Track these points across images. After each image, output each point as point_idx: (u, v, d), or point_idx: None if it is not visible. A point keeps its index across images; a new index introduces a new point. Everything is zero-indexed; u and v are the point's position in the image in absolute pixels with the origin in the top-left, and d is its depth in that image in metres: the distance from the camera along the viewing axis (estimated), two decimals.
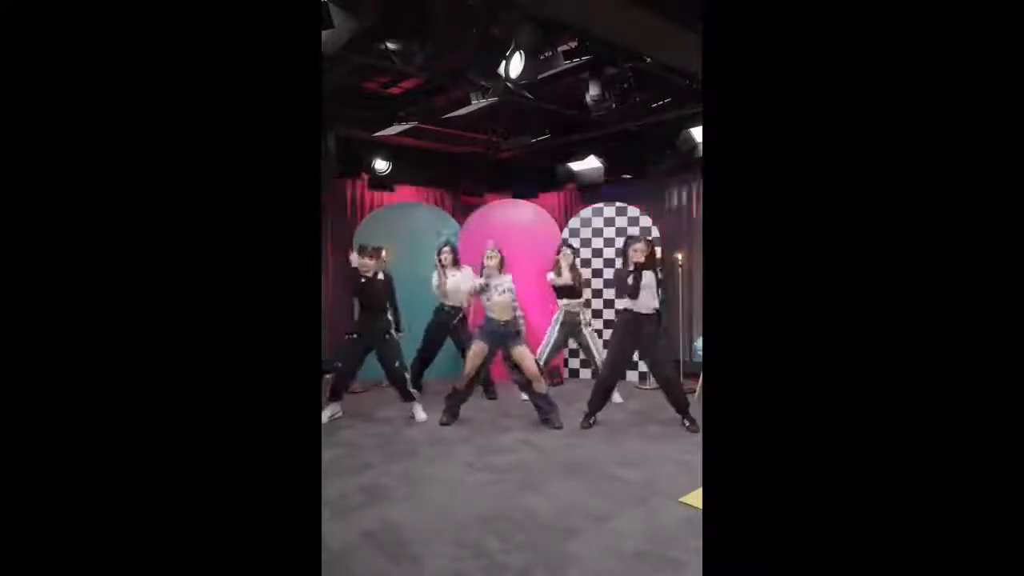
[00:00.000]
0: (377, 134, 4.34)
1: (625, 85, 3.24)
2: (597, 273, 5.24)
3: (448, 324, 4.43)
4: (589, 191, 5.83)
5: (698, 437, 3.37)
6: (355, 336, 3.96)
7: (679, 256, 5.01)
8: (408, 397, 3.94)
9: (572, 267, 4.41)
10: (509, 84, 2.88)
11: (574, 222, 5.38)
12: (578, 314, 4.38)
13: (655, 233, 5.14)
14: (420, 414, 3.91)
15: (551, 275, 4.38)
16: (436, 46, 2.66)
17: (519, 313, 3.94)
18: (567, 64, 2.88)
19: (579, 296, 4.40)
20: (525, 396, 3.91)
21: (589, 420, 3.74)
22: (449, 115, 3.91)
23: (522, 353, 3.76)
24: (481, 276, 3.84)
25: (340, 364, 3.95)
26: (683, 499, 2.57)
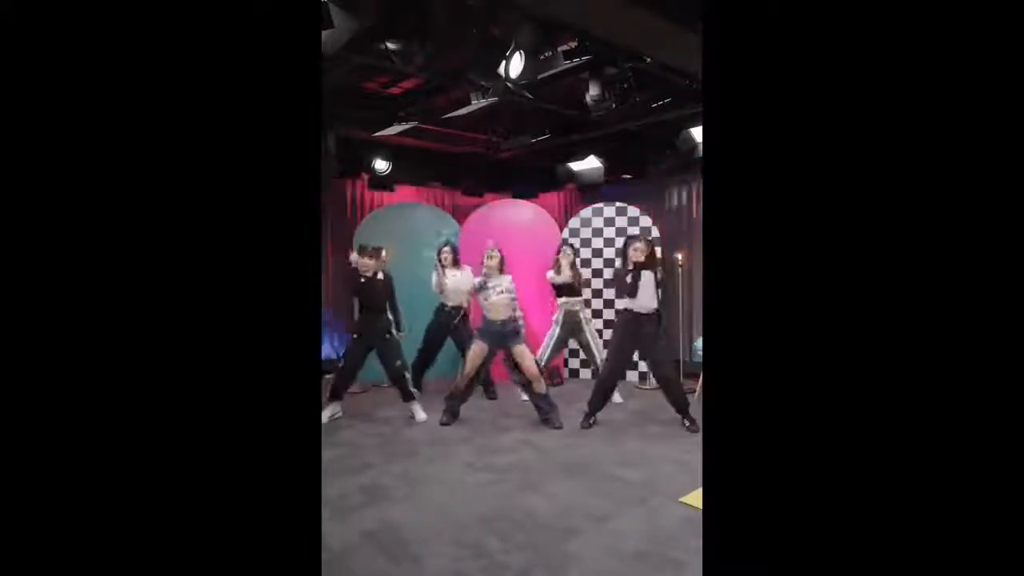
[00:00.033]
0: (377, 134, 4.34)
1: (625, 85, 3.24)
2: (597, 273, 5.24)
3: (449, 324, 4.42)
4: (589, 191, 5.83)
5: (698, 437, 3.37)
6: (355, 336, 3.97)
7: (679, 256, 5.01)
8: (409, 397, 3.94)
9: (572, 266, 4.41)
10: (509, 84, 2.88)
11: (574, 222, 5.38)
12: (578, 312, 4.39)
13: (655, 233, 5.14)
14: (420, 414, 3.91)
15: (551, 273, 4.39)
16: (436, 46, 2.66)
17: (519, 314, 3.94)
18: (567, 64, 2.88)
19: (578, 295, 4.41)
20: (525, 396, 3.91)
21: (589, 420, 3.74)
22: (449, 115, 3.90)
23: (522, 353, 3.76)
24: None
25: (342, 363, 3.95)
26: (683, 499, 2.57)
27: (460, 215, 5.81)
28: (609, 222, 5.27)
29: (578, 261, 4.67)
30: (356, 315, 4.12)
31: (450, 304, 4.38)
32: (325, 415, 3.83)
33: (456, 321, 4.40)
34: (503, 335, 3.78)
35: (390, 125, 4.14)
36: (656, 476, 2.87)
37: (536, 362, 3.86)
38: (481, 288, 3.80)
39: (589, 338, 4.38)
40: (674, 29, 2.51)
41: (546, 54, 2.82)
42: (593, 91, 3.26)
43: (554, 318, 4.47)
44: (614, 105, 3.28)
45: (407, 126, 4.12)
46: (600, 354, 4.25)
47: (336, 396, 3.92)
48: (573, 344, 4.73)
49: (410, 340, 4.32)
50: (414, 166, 5.39)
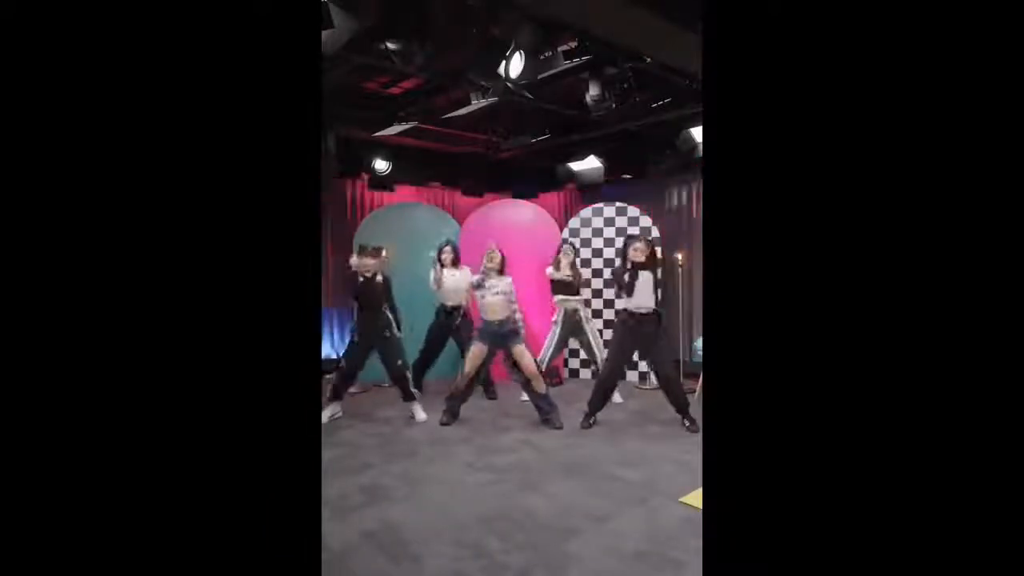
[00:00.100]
0: (377, 134, 4.33)
1: (625, 85, 3.24)
2: (597, 273, 5.24)
3: (450, 325, 4.43)
4: (589, 191, 5.83)
5: (698, 437, 3.37)
6: (356, 337, 3.97)
7: (679, 256, 5.01)
8: (409, 396, 3.94)
9: (572, 266, 4.42)
10: (509, 84, 2.88)
11: (574, 222, 5.38)
12: (577, 311, 4.39)
13: (655, 233, 5.14)
14: (420, 414, 3.91)
15: (550, 269, 4.41)
16: (436, 46, 2.66)
17: (518, 316, 3.94)
18: (567, 64, 2.88)
19: (577, 294, 4.41)
20: (525, 396, 3.91)
21: (589, 420, 3.74)
22: (449, 115, 3.90)
23: (521, 353, 3.76)
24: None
25: (343, 364, 3.95)
26: (683, 499, 2.57)
27: (460, 215, 5.81)
28: (609, 222, 5.27)
29: (578, 261, 4.67)
30: (355, 316, 4.13)
31: (450, 304, 4.39)
32: (325, 415, 3.83)
33: (458, 322, 4.40)
34: (501, 335, 3.78)
35: (390, 125, 4.14)
36: (656, 476, 2.87)
37: (536, 362, 3.86)
38: (478, 286, 3.81)
39: (590, 338, 4.38)
40: (674, 29, 2.51)
41: (546, 54, 2.82)
42: (593, 91, 3.25)
43: (553, 319, 4.47)
44: (614, 105, 3.28)
45: (407, 126, 4.12)
46: (600, 354, 4.25)
47: (336, 396, 3.92)
48: (573, 344, 4.73)
49: (411, 340, 4.32)
50: (414, 166, 5.39)
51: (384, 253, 4.03)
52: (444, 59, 2.87)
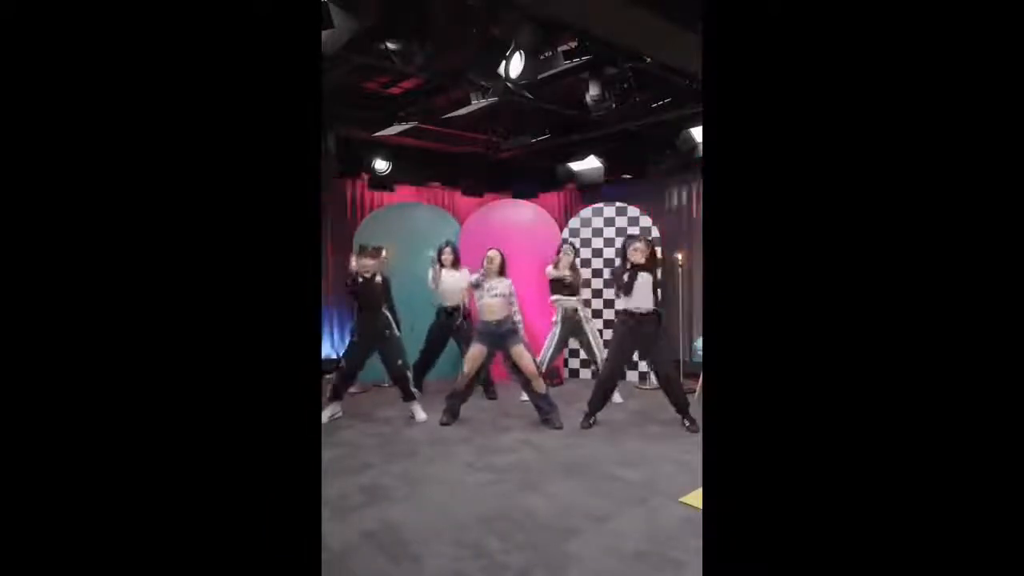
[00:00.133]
0: (377, 134, 4.33)
1: (625, 85, 3.24)
2: (597, 273, 5.24)
3: (451, 325, 4.43)
4: (589, 191, 5.83)
5: (698, 437, 3.37)
6: (356, 337, 3.97)
7: (679, 256, 5.01)
8: (410, 396, 3.94)
9: (572, 266, 4.42)
10: (509, 84, 2.88)
11: (574, 222, 5.38)
12: (576, 311, 4.39)
13: (655, 233, 5.14)
14: (420, 414, 3.92)
15: (549, 268, 4.41)
16: (436, 46, 2.66)
17: (518, 318, 3.94)
18: (567, 64, 2.88)
19: (575, 294, 4.41)
20: (525, 396, 3.91)
21: (589, 420, 3.74)
22: (449, 115, 3.90)
23: (520, 353, 3.76)
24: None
25: (343, 364, 3.96)
26: (683, 499, 2.57)
27: (460, 215, 5.81)
28: (609, 222, 5.27)
29: (578, 261, 4.68)
30: (355, 316, 4.13)
31: (448, 304, 4.39)
32: (325, 415, 3.83)
33: (459, 322, 4.40)
34: (500, 335, 3.78)
35: (390, 125, 4.14)
36: (656, 476, 2.87)
37: (536, 362, 3.86)
38: (476, 286, 3.81)
39: (590, 338, 4.38)
40: (674, 29, 2.51)
41: (546, 54, 2.81)
42: (593, 91, 3.25)
43: (553, 319, 4.47)
44: (614, 105, 3.28)
45: (407, 126, 4.12)
46: (600, 354, 4.25)
47: (336, 396, 3.92)
48: (573, 344, 4.73)
49: (412, 341, 4.32)
50: (414, 166, 5.39)
51: (384, 253, 4.03)
52: (444, 59, 2.87)
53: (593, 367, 4.50)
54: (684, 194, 5.52)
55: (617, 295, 3.74)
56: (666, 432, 3.62)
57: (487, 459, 3.16)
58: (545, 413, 3.76)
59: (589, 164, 5.02)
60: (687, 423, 3.63)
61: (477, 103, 3.53)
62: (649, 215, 5.27)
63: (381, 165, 5.03)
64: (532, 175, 5.86)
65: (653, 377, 4.16)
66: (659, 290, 3.67)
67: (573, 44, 2.95)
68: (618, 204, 5.29)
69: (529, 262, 4.81)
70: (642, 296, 3.59)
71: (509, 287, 3.84)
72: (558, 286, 4.39)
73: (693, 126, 4.14)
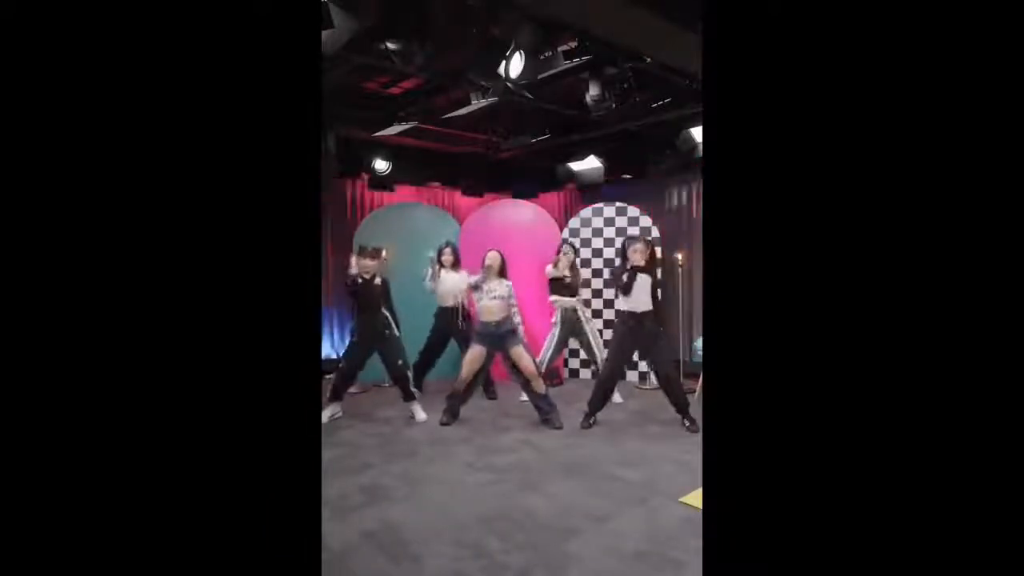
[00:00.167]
0: (377, 134, 4.33)
1: (625, 85, 3.24)
2: (597, 273, 5.24)
3: (451, 325, 4.42)
4: (589, 191, 5.83)
5: (698, 437, 3.37)
6: (355, 338, 3.97)
7: (679, 256, 5.01)
8: (410, 396, 3.94)
9: (572, 267, 4.42)
10: (509, 84, 2.88)
11: (574, 222, 5.38)
12: (575, 311, 4.39)
13: (655, 233, 5.14)
14: (420, 414, 3.92)
15: (549, 267, 4.41)
16: (436, 46, 2.65)
17: (517, 320, 3.94)
18: (567, 64, 2.88)
19: (575, 295, 4.41)
20: (525, 396, 3.91)
21: (589, 420, 3.74)
22: (449, 115, 3.90)
23: (519, 354, 3.76)
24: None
25: (343, 364, 3.96)
26: (683, 499, 2.57)
27: (460, 215, 5.81)
28: (609, 222, 5.27)
29: (578, 262, 4.68)
30: (355, 317, 4.13)
31: (448, 306, 4.39)
32: (325, 415, 3.83)
33: (460, 320, 4.39)
34: (499, 336, 3.78)
35: (390, 125, 4.14)
36: (656, 476, 2.87)
37: (535, 363, 3.86)
38: (476, 288, 3.81)
39: (590, 338, 4.38)
40: (674, 29, 2.51)
41: (546, 54, 2.81)
42: (593, 91, 3.25)
43: (553, 320, 4.47)
44: (614, 105, 3.28)
45: (407, 126, 4.12)
46: (600, 354, 4.25)
47: (336, 396, 3.92)
48: (573, 344, 4.73)
49: (412, 341, 4.32)
50: (414, 166, 5.39)
51: (384, 254, 4.03)
52: (444, 59, 2.87)
53: (593, 367, 4.50)
54: (684, 194, 5.52)
55: (617, 295, 3.74)
56: (666, 432, 3.62)
57: (487, 459, 3.16)
58: (545, 413, 3.76)
59: (589, 164, 5.02)
60: (687, 423, 3.63)
61: (477, 103, 3.53)
62: (649, 215, 5.27)
63: (381, 165, 5.03)
64: (532, 175, 5.86)
65: (653, 377, 4.16)
66: (659, 290, 3.67)
67: (573, 44, 2.95)
68: (618, 204, 5.29)
69: (529, 262, 4.81)
70: (640, 298, 3.60)
71: (509, 289, 3.84)
72: (557, 286, 4.39)
73: (693, 126, 4.14)
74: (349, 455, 3.22)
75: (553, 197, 6.44)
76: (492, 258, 3.83)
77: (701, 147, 4.14)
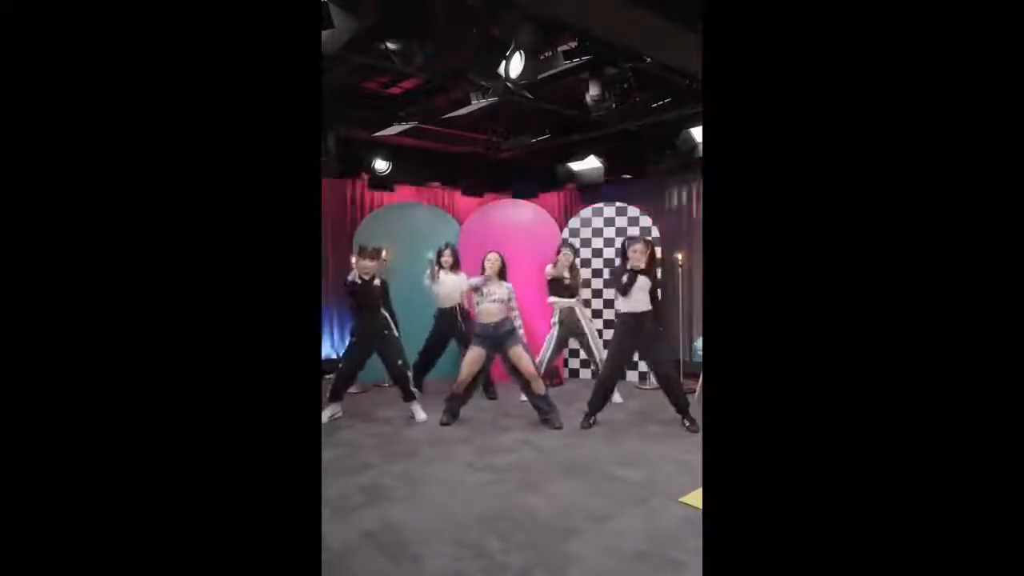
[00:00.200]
0: (377, 134, 4.33)
1: (625, 85, 3.24)
2: (597, 273, 5.24)
3: (451, 325, 4.42)
4: (589, 191, 5.83)
5: (698, 437, 3.37)
6: (355, 338, 3.97)
7: (679, 256, 5.01)
8: (410, 396, 3.95)
9: (572, 267, 4.42)
10: (509, 84, 2.88)
11: (574, 222, 5.38)
12: (574, 311, 4.39)
13: (655, 233, 5.14)
14: (420, 414, 3.92)
15: (548, 267, 4.41)
16: (436, 46, 2.65)
17: (518, 323, 3.94)
18: (567, 64, 2.88)
19: (575, 295, 4.41)
20: (525, 397, 3.91)
21: (589, 420, 3.74)
22: (449, 115, 3.90)
23: (518, 354, 3.76)
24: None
25: (342, 364, 3.96)
26: (683, 499, 2.57)
27: (460, 215, 5.81)
28: (609, 222, 5.27)
29: (578, 262, 4.68)
30: (354, 318, 4.13)
31: (447, 307, 4.38)
32: (325, 415, 3.83)
33: (460, 323, 4.39)
34: (498, 337, 3.78)
35: (390, 125, 4.14)
36: (656, 476, 2.87)
37: (535, 363, 3.86)
38: (476, 290, 3.81)
39: (590, 338, 4.38)
40: (674, 29, 2.51)
41: (546, 54, 2.81)
42: (593, 91, 3.25)
43: (553, 320, 4.47)
44: (614, 105, 3.28)
45: (407, 126, 4.12)
46: (600, 354, 4.25)
47: (336, 396, 3.92)
48: (573, 344, 4.73)
49: (412, 342, 4.32)
50: (414, 166, 5.39)
51: (384, 254, 4.03)
52: (444, 59, 2.87)
53: (593, 367, 4.50)
54: (684, 194, 5.52)
55: (616, 296, 3.74)
56: (666, 432, 3.62)
57: (487, 459, 3.16)
58: (545, 413, 3.76)
59: (589, 164, 5.02)
60: (687, 423, 3.63)
61: (477, 103, 3.53)
62: (649, 215, 5.27)
63: (381, 165, 5.03)
64: (532, 175, 5.86)
65: (653, 377, 4.16)
66: (659, 291, 3.67)
67: (573, 44, 2.94)
68: (618, 204, 5.29)
69: (529, 262, 4.81)
70: (639, 299, 3.60)
71: (509, 291, 3.83)
72: (557, 287, 4.39)
73: (693, 126, 4.14)
74: (349, 455, 3.22)
75: (553, 197, 6.44)
76: (492, 261, 3.82)
77: (701, 147, 4.14)
